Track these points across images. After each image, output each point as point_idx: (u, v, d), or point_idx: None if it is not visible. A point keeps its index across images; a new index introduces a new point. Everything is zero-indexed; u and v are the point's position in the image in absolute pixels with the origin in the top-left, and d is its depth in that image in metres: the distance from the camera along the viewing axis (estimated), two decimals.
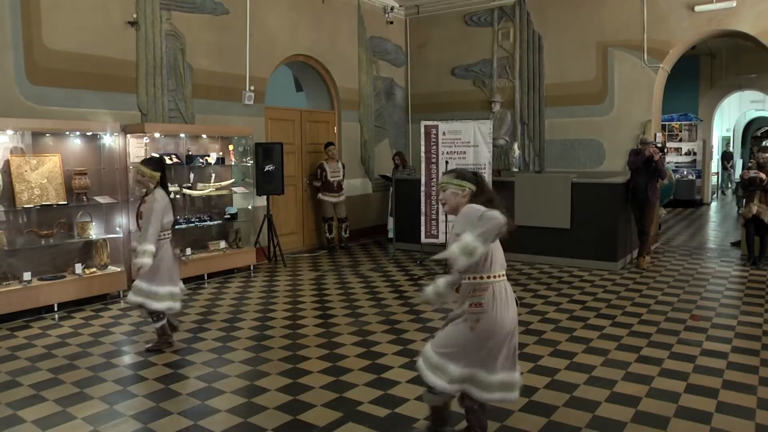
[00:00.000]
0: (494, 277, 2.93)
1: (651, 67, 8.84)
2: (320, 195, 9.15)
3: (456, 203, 2.94)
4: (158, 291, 4.63)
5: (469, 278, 2.92)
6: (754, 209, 7.55)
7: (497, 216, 2.71)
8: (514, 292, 3.13)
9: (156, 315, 4.68)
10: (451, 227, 3.07)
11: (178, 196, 6.95)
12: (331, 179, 9.01)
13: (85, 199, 6.14)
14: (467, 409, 3.03)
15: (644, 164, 7.44)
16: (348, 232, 9.42)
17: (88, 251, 6.36)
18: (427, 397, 3.04)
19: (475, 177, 2.99)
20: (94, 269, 6.22)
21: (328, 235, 9.20)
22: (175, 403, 3.71)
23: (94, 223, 6.26)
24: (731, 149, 20.00)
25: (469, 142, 8.00)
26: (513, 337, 3.02)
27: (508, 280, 3.11)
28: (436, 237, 8.17)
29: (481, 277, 2.90)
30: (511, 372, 2.96)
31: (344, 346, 4.73)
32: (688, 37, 8.63)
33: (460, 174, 2.99)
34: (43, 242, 5.90)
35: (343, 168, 9.27)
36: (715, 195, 17.43)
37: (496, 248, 2.93)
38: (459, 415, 3.22)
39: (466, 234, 2.72)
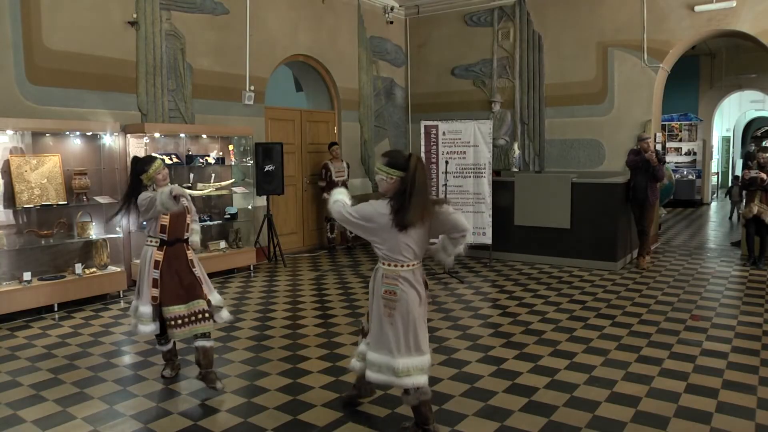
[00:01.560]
0: (408, 266, 3.06)
1: (651, 67, 8.84)
2: (325, 195, 9.15)
3: (386, 188, 3.06)
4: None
5: (386, 264, 3.08)
6: (755, 209, 7.55)
7: (336, 209, 3.16)
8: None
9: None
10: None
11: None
12: (336, 179, 9.02)
13: (85, 199, 6.14)
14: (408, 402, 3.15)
15: (644, 164, 7.44)
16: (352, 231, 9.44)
17: (88, 251, 6.36)
18: (405, 398, 3.13)
19: (407, 163, 2.99)
20: (94, 269, 6.22)
21: (329, 234, 9.21)
22: (175, 403, 3.71)
23: (94, 223, 6.27)
24: (752, 148, 20.00)
25: (469, 142, 8.00)
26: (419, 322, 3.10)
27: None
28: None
29: (395, 265, 3.05)
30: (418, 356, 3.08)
31: (344, 346, 4.73)
32: (688, 37, 8.63)
33: (391, 161, 3.05)
34: (43, 242, 5.90)
35: (348, 168, 9.29)
36: (715, 195, 17.42)
37: (411, 238, 3.06)
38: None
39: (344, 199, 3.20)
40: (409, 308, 3.04)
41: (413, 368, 3.03)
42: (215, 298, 4.06)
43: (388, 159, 3.07)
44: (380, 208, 3.03)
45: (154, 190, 3.96)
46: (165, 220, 3.84)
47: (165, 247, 3.88)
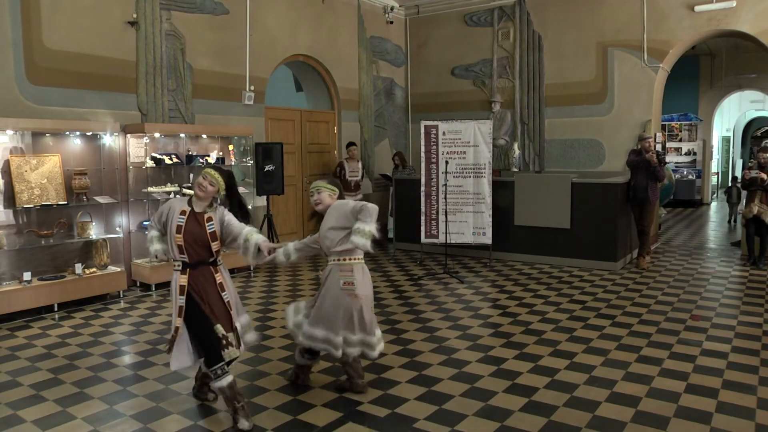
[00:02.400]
0: (357, 259, 3.75)
1: (651, 67, 8.84)
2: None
3: (329, 203, 3.75)
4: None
5: (337, 260, 3.72)
6: (755, 209, 7.55)
7: (374, 207, 3.61)
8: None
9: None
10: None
11: (177, 196, 6.94)
12: (349, 178, 9.05)
13: (85, 199, 6.14)
14: (346, 363, 3.78)
15: (644, 163, 7.44)
16: None
17: (88, 251, 6.36)
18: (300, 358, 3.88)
19: (336, 181, 3.95)
20: (94, 269, 6.22)
21: None
22: (175, 403, 3.71)
23: (94, 223, 6.27)
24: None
25: (469, 142, 8.00)
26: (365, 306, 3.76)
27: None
28: (436, 237, 8.17)
29: (348, 259, 3.72)
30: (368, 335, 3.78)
31: None
32: (688, 37, 8.63)
33: (331, 180, 3.91)
34: (43, 242, 5.90)
35: (363, 168, 9.32)
36: (715, 195, 17.43)
37: None
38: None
39: (366, 224, 3.56)
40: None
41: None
42: (244, 320, 3.71)
43: (328, 179, 3.90)
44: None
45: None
46: (179, 239, 3.47)
47: (189, 270, 3.50)
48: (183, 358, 3.50)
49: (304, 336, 3.76)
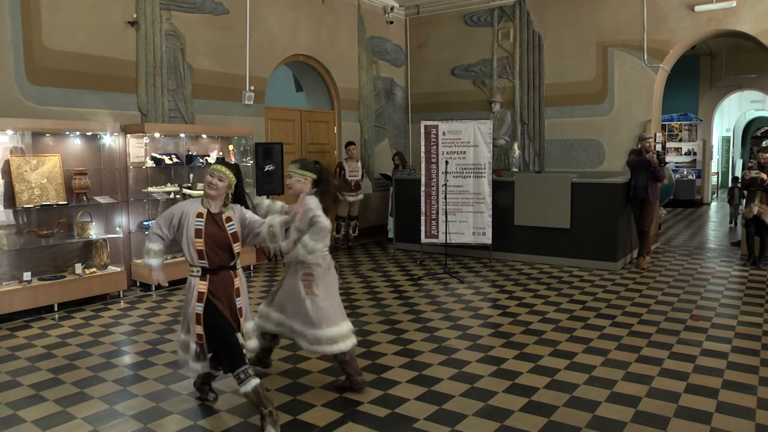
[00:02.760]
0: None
1: (651, 67, 8.84)
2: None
3: (300, 188, 3.74)
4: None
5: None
6: (755, 209, 7.55)
7: (324, 227, 3.63)
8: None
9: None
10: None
11: (177, 196, 6.95)
12: (349, 178, 9.06)
13: (85, 199, 6.14)
14: (341, 362, 3.82)
15: (644, 163, 7.44)
16: (357, 230, 9.50)
17: (88, 251, 6.36)
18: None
19: (316, 166, 3.85)
20: (94, 269, 6.22)
21: (335, 233, 9.20)
22: (175, 403, 3.71)
23: (94, 223, 6.27)
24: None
25: (469, 142, 8.00)
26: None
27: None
28: (436, 237, 8.17)
29: None
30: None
31: None
32: (688, 37, 8.63)
33: (303, 165, 3.84)
34: (43, 242, 5.90)
35: (363, 168, 9.33)
36: (715, 195, 17.43)
37: None
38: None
39: (311, 241, 3.64)
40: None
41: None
42: (249, 326, 3.61)
43: (300, 164, 3.84)
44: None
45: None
46: (200, 244, 3.30)
47: (208, 275, 3.36)
48: (204, 364, 3.44)
49: (259, 315, 4.01)
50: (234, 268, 3.46)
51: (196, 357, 3.40)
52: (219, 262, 3.38)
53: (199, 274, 3.35)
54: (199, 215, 3.35)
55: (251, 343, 3.61)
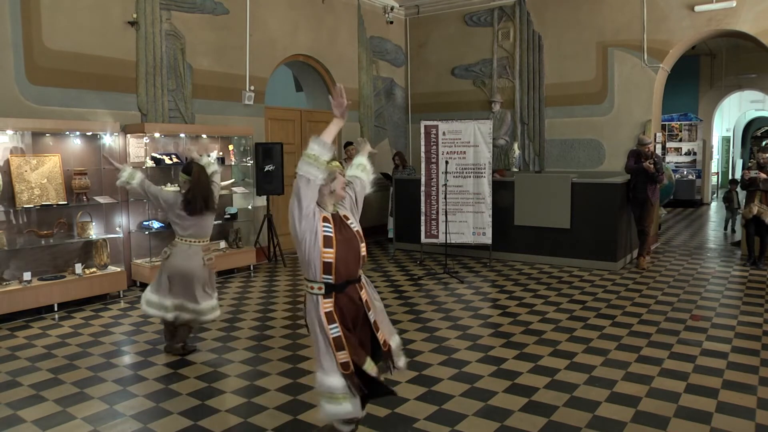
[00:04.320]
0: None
1: (651, 67, 8.84)
2: None
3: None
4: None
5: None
6: (755, 209, 7.54)
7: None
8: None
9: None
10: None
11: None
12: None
13: (85, 199, 6.14)
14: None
15: (641, 170, 7.44)
16: None
17: (88, 251, 6.36)
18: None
19: (189, 167, 4.54)
20: (94, 269, 6.22)
21: None
22: (175, 403, 3.71)
23: (94, 223, 6.27)
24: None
25: (469, 142, 8.00)
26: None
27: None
28: (436, 237, 8.17)
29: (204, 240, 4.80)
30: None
31: None
32: (688, 37, 8.63)
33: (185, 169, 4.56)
34: (43, 242, 5.90)
35: None
36: (715, 195, 17.44)
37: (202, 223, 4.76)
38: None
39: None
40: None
41: None
42: (395, 341, 3.07)
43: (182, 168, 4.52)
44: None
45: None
46: (329, 255, 2.71)
47: (334, 293, 2.78)
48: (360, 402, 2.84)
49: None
50: (359, 280, 2.96)
51: (346, 393, 2.74)
52: (348, 275, 2.85)
53: (323, 292, 2.77)
54: (325, 219, 2.81)
55: (401, 362, 3.07)
